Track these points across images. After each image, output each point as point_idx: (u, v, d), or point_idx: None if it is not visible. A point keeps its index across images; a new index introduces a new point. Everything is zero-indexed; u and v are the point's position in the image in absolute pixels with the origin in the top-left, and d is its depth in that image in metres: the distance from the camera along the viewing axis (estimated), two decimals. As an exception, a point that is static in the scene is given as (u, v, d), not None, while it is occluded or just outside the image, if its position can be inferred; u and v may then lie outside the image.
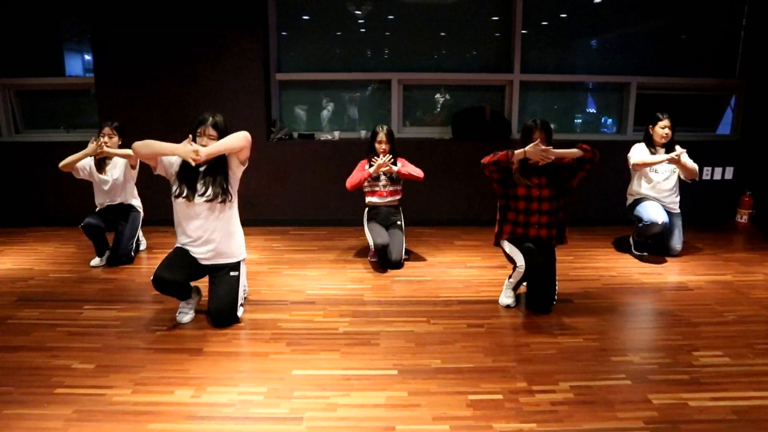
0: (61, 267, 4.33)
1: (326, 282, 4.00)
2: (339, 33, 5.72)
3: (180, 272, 3.21)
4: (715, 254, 4.65)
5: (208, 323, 3.25)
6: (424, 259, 4.51)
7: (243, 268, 3.43)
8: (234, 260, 3.36)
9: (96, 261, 4.35)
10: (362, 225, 4.47)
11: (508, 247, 3.48)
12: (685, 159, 4.34)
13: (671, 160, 4.32)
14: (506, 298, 3.53)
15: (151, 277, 3.16)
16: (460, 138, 5.59)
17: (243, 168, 3.32)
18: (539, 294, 3.44)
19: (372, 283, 3.95)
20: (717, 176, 5.66)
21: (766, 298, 3.68)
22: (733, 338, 3.08)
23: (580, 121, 6.10)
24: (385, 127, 4.32)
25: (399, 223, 4.47)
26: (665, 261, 4.46)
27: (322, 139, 5.62)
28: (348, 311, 3.44)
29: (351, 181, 4.27)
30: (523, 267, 3.34)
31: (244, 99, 5.39)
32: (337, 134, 5.66)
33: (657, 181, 4.49)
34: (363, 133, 5.67)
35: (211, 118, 3.21)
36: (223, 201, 3.22)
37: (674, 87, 5.77)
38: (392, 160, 4.25)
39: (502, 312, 3.45)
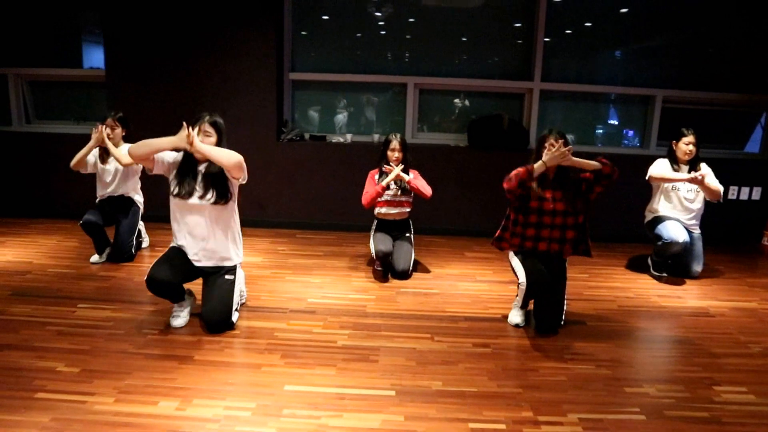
0: (61, 262, 4.24)
1: (329, 290, 3.85)
2: (359, 35, 5.57)
3: (174, 273, 3.10)
4: (739, 278, 4.42)
5: (202, 329, 3.13)
6: (432, 271, 4.35)
7: (240, 272, 3.31)
8: (229, 263, 3.23)
9: (96, 258, 4.25)
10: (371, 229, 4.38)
11: (515, 261, 3.34)
12: (709, 180, 4.13)
13: (693, 180, 4.10)
14: (515, 316, 3.36)
15: (145, 278, 3.04)
16: (476, 146, 5.42)
17: (238, 183, 3.19)
18: (544, 313, 3.26)
19: (376, 294, 3.80)
20: (744, 196, 5.41)
21: (794, 330, 3.46)
22: (758, 373, 2.87)
23: (602, 132, 5.89)
24: (398, 135, 4.17)
25: (408, 235, 4.34)
26: (684, 283, 4.25)
27: (334, 141, 5.49)
28: (349, 323, 3.29)
29: (366, 198, 4.07)
30: (525, 285, 3.19)
31: (255, 98, 5.28)
32: (349, 137, 5.52)
33: (684, 198, 4.28)
34: (376, 137, 5.52)
35: (208, 116, 3.11)
36: (225, 202, 3.10)
37: (701, 101, 5.55)
38: (404, 169, 4.11)
39: (510, 332, 3.28)
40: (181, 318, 3.16)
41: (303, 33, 5.54)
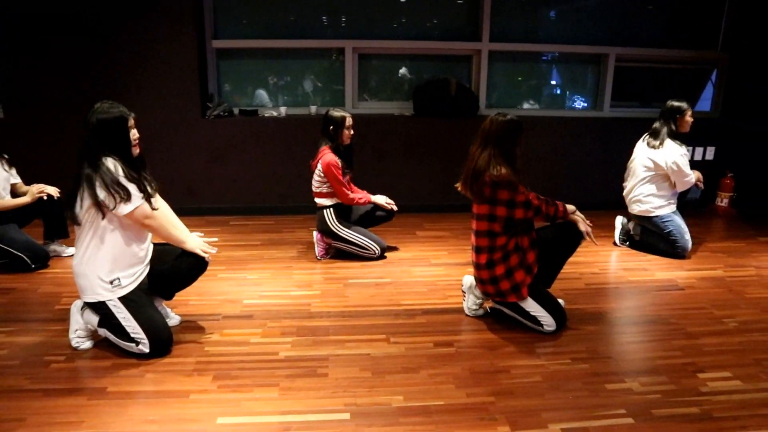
0: (-52, 273, 3.61)
1: (268, 287, 3.41)
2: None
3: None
4: (700, 243, 4.27)
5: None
6: (382, 256, 3.96)
7: None
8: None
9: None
10: (331, 225, 3.80)
11: (532, 305, 2.81)
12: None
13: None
14: (473, 306, 3.02)
15: (151, 350, 2.53)
16: (423, 114, 5.02)
17: None
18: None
19: (322, 288, 3.39)
20: (697, 157, 5.27)
21: (764, 299, 3.30)
22: (739, 353, 2.67)
23: (552, 94, 5.60)
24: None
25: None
26: (648, 253, 4.06)
27: (266, 115, 4.96)
28: (291, 328, 2.88)
29: (356, 203, 3.87)
30: (553, 326, 2.80)
31: (174, 70, 4.67)
32: (283, 110, 5.00)
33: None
34: (314, 109, 5.03)
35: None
36: None
37: (653, 59, 5.33)
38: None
39: (473, 324, 2.95)
40: (89, 340, 2.66)
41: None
